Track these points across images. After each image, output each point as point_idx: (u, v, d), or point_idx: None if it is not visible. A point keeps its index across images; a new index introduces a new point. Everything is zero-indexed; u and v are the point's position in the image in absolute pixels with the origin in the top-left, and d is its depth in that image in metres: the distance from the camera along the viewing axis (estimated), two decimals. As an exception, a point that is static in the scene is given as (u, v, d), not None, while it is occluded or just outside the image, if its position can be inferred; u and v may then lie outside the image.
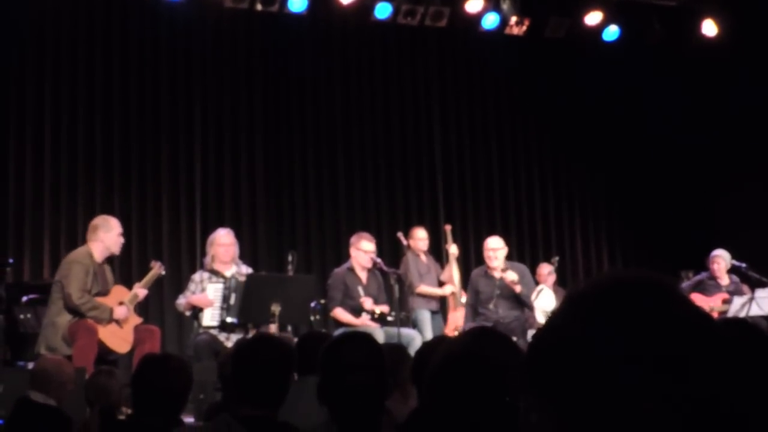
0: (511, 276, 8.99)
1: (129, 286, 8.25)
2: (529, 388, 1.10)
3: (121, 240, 8.06)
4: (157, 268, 8.23)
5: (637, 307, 1.06)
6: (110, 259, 8.49)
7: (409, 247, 9.95)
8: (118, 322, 7.69)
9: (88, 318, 7.53)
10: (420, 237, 9.94)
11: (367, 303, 8.90)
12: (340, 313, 8.89)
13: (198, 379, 7.01)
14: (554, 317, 1.12)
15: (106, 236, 7.89)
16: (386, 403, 3.22)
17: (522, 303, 9.11)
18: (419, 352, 4.01)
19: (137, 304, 8.08)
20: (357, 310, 8.88)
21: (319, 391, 3.01)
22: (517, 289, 8.98)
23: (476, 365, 2.14)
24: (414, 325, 9.50)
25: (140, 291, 8.01)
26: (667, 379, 1.02)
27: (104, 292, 7.80)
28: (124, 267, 10.02)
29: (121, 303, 7.78)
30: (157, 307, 10.35)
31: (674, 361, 1.03)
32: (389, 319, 8.95)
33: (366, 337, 3.20)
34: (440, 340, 4.91)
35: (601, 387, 1.03)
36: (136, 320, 7.91)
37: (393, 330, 8.65)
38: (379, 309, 8.94)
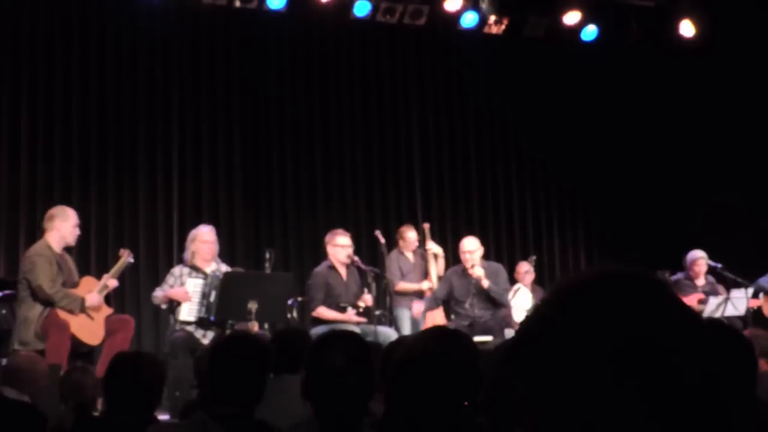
0: (478, 272, 9.03)
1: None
2: (511, 378, 1.10)
3: (77, 231, 8.00)
4: (125, 256, 8.19)
5: (623, 298, 1.07)
6: (85, 253, 8.47)
7: (398, 244, 9.96)
8: (88, 314, 7.65)
9: (60, 308, 7.50)
10: (410, 239, 9.93)
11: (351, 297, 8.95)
12: (325, 311, 8.85)
13: (174, 376, 7.01)
14: (541, 308, 1.12)
15: (63, 225, 7.84)
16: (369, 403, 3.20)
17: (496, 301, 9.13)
18: (384, 353, 3.98)
19: (111, 295, 8.07)
20: (340, 307, 8.86)
21: (303, 388, 3.00)
22: (485, 284, 9.00)
23: (434, 365, 2.13)
24: (392, 323, 9.50)
25: (110, 281, 7.96)
26: (649, 369, 1.02)
27: (71, 283, 7.76)
28: (101, 261, 9.96)
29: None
30: (134, 302, 10.32)
31: (658, 352, 1.03)
32: (376, 313, 8.97)
33: (354, 338, 3.17)
34: (401, 340, 4.89)
35: (583, 377, 1.04)
36: (107, 311, 7.88)
37: (370, 328, 8.65)
38: (363, 303, 8.94)
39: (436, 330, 2.45)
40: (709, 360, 1.05)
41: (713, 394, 1.04)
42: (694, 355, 1.04)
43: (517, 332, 1.14)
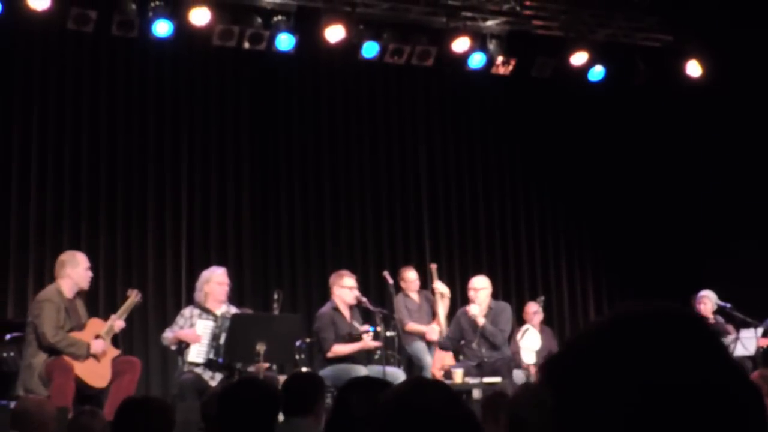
0: (473, 310, 9.04)
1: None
2: (546, 387, 1.12)
3: (89, 274, 8.01)
4: (133, 296, 8.17)
5: (659, 335, 1.09)
6: (94, 294, 8.45)
7: (400, 286, 9.96)
8: (95, 356, 7.63)
9: (66, 355, 7.48)
10: (410, 279, 9.95)
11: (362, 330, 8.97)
12: (339, 348, 8.81)
13: (182, 418, 6.97)
14: (576, 341, 1.14)
15: (74, 272, 7.84)
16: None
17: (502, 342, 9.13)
18: None
19: (119, 336, 8.06)
20: (353, 338, 8.84)
21: (326, 430, 3.00)
22: (480, 322, 9.02)
23: (409, 416, 2.11)
24: (400, 363, 9.48)
25: (117, 323, 7.92)
26: (682, 408, 1.04)
27: (78, 327, 7.73)
28: (110, 302, 9.96)
29: (97, 336, 7.72)
30: (142, 343, 10.31)
31: (693, 391, 1.05)
32: (388, 334, 8.94)
33: (383, 387, 3.15)
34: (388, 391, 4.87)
35: (617, 413, 1.05)
36: (114, 353, 7.84)
37: (378, 368, 8.63)
38: (373, 328, 8.93)
39: (412, 381, 2.43)
40: (745, 397, 1.09)
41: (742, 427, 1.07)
42: (731, 394, 1.07)
43: (566, 343, 1.16)
